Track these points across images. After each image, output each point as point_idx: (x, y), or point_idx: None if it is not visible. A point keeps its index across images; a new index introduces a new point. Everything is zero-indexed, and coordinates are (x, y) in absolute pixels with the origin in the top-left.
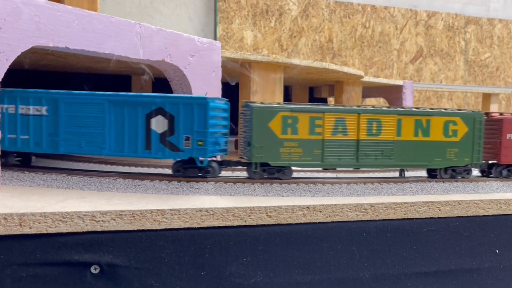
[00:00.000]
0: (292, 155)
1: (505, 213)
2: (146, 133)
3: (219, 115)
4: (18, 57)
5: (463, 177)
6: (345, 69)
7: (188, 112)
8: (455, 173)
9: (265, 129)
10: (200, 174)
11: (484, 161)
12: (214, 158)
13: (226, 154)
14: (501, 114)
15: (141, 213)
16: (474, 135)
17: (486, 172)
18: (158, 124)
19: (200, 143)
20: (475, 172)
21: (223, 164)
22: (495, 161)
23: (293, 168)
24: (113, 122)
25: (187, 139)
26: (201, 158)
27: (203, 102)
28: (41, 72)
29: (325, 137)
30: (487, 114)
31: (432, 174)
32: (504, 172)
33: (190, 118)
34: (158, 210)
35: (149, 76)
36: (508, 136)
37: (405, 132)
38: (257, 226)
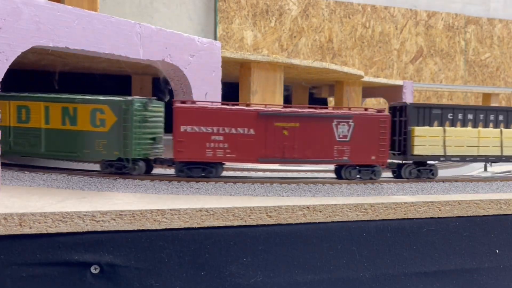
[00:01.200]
0: None
1: (505, 213)
2: None
3: None
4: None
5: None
6: (345, 69)
7: None
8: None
9: None
10: None
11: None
12: None
13: None
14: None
15: (141, 213)
16: (121, 126)
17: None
18: None
19: None
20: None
21: None
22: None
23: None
24: None
25: None
26: None
27: None
28: (40, 72)
29: None
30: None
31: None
32: (184, 172)
33: None
34: (158, 210)
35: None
36: (183, 128)
37: (53, 120)
38: (257, 226)
